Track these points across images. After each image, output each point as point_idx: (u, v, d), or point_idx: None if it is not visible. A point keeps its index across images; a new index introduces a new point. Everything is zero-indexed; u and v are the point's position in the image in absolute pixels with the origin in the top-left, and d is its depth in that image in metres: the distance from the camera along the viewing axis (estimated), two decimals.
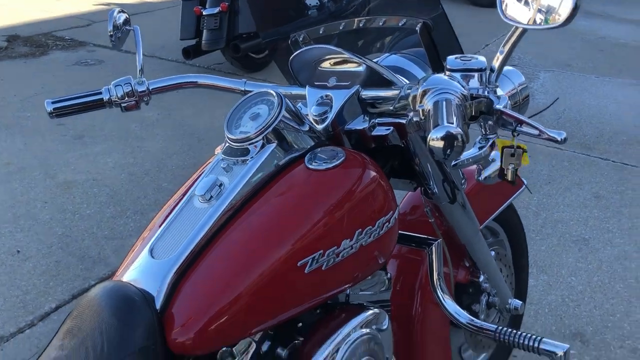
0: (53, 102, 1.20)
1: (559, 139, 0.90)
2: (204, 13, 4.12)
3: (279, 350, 0.98)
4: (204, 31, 4.14)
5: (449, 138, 0.79)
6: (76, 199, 2.73)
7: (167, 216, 0.97)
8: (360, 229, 0.96)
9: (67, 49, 5.13)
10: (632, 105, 3.94)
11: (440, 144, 0.80)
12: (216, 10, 4.07)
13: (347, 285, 1.00)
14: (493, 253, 1.54)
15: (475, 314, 1.49)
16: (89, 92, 1.22)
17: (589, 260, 2.34)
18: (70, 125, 3.42)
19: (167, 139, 3.38)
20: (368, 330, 1.00)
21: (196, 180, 1.00)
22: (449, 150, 0.80)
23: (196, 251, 0.89)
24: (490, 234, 1.67)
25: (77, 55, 4.99)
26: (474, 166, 1.34)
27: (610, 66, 4.79)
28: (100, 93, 1.20)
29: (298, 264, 0.90)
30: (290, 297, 0.92)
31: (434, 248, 1.21)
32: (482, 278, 1.47)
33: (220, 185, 0.94)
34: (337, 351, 0.95)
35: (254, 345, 0.94)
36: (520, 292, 1.77)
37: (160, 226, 0.96)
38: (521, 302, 1.55)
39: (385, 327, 1.06)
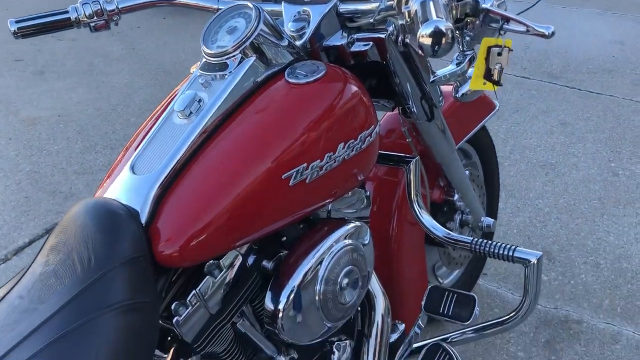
0: (17, 22, 1.15)
1: (547, 32, 0.91)
2: None
3: (264, 263, 1.00)
4: None
5: (438, 33, 0.79)
6: (42, 135, 2.66)
7: (147, 133, 0.96)
8: (343, 143, 0.96)
9: None
10: (597, 35, 3.98)
11: (429, 40, 0.80)
12: None
13: (329, 200, 1.01)
14: (467, 173, 1.58)
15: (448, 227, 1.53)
16: (55, 11, 1.17)
17: (556, 184, 2.41)
18: (29, 61, 3.30)
19: (133, 73, 3.29)
20: (351, 241, 1.02)
21: (174, 97, 0.98)
22: (437, 47, 0.80)
23: (179, 166, 0.89)
24: (463, 156, 1.70)
25: None
26: (450, 87, 1.35)
27: None
28: (67, 12, 1.16)
29: (282, 177, 0.91)
30: (275, 210, 0.93)
31: (411, 165, 1.23)
32: (456, 197, 1.51)
33: (200, 100, 0.93)
34: (321, 262, 0.97)
35: (240, 258, 0.96)
36: (492, 211, 1.83)
37: (140, 143, 0.95)
38: (493, 220, 1.60)
39: (367, 241, 1.09)
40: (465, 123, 1.56)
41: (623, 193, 2.34)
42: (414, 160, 1.23)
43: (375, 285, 1.21)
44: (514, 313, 1.22)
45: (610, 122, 2.87)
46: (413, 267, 1.37)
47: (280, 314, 0.95)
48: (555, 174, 2.48)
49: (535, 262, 1.14)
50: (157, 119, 0.96)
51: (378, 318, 1.19)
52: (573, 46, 3.78)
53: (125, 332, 0.78)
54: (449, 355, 1.20)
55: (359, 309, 1.20)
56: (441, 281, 1.71)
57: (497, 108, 1.67)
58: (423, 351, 1.22)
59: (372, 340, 1.17)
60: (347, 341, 1.15)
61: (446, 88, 1.38)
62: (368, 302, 1.20)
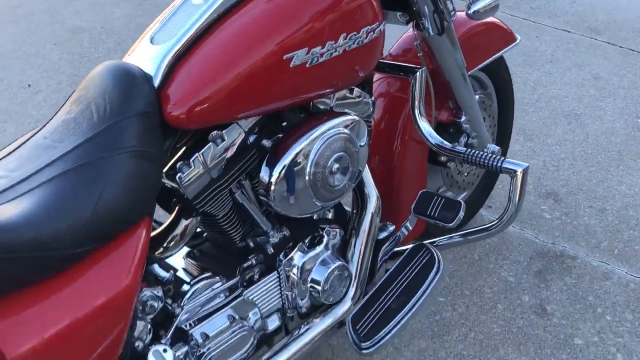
0: None
1: None
2: None
3: (264, 141, 1.09)
4: None
5: None
6: (84, 44, 2.79)
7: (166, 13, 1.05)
8: (345, 33, 1.03)
9: None
10: None
11: None
12: None
13: (328, 90, 1.09)
14: (478, 97, 1.62)
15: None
16: None
17: (576, 133, 2.42)
18: None
19: None
20: (347, 131, 1.10)
21: None
22: None
23: (192, 40, 0.98)
24: (479, 86, 1.74)
25: None
26: (464, 14, 1.39)
27: None
28: None
29: (284, 57, 0.99)
30: (276, 88, 1.01)
31: (418, 75, 1.29)
32: (463, 119, 1.56)
33: None
34: (314, 143, 1.06)
35: (242, 134, 1.05)
36: (503, 146, 1.87)
37: (159, 21, 1.04)
38: (498, 148, 1.64)
39: (363, 141, 1.17)
40: (481, 51, 1.60)
41: None
42: (421, 69, 1.29)
43: (370, 187, 1.29)
44: (497, 221, 1.30)
45: None
46: (413, 176, 1.45)
47: (272, 187, 1.05)
48: (578, 124, 2.48)
49: (520, 173, 1.21)
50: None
51: (368, 216, 1.27)
52: (622, 3, 3.67)
53: (133, 174, 0.88)
54: (431, 254, 1.29)
55: (354, 209, 1.29)
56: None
57: (517, 41, 1.69)
58: (407, 251, 1.32)
59: (360, 234, 1.27)
60: (338, 230, 1.25)
61: (461, 13, 1.43)
62: (362, 200, 1.29)
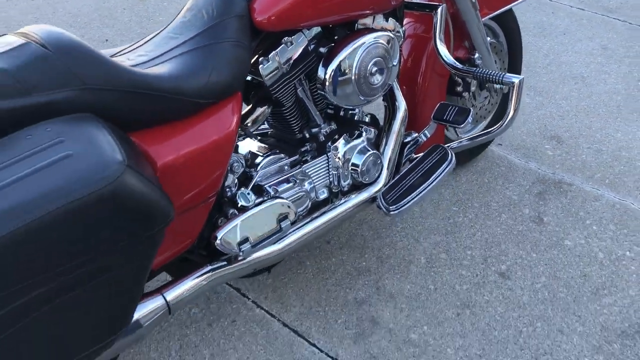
0: None
1: None
2: None
3: (320, 49, 1.45)
4: None
5: None
6: (149, 9, 3.20)
7: None
8: None
9: None
10: None
11: None
12: None
13: (368, 11, 1.44)
14: (490, 42, 1.96)
15: (467, 87, 1.94)
16: None
17: (582, 92, 2.74)
18: None
19: None
20: (384, 43, 1.46)
21: None
22: None
23: None
24: (492, 35, 2.08)
25: None
26: None
27: None
28: None
29: None
30: (331, 5, 1.37)
31: (439, 10, 1.64)
32: (476, 56, 1.90)
33: None
34: (359, 49, 1.42)
35: (305, 41, 1.42)
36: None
37: None
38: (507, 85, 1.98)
39: (395, 61, 1.52)
40: (494, 2, 1.94)
41: None
42: (442, 5, 1.64)
43: (400, 99, 1.65)
44: (498, 124, 1.64)
45: None
46: (433, 95, 1.79)
47: (327, 82, 1.41)
48: (584, 84, 2.80)
49: (517, 83, 1.55)
50: None
51: (398, 120, 1.63)
52: None
53: (232, 57, 1.26)
54: (445, 151, 1.65)
55: (386, 117, 1.65)
56: (461, 136, 2.11)
57: None
58: (427, 150, 1.67)
59: (391, 134, 1.62)
60: (373, 130, 1.61)
61: None
62: (393, 110, 1.65)
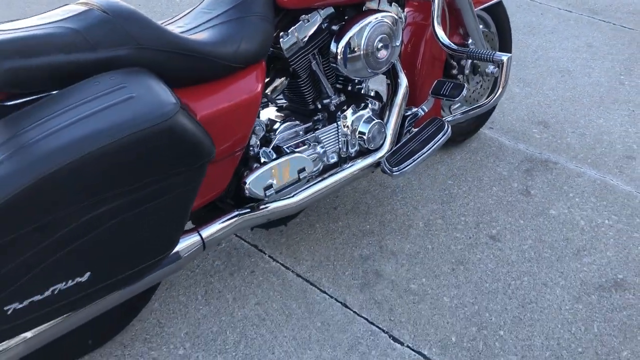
0: None
1: None
2: None
3: (333, 26, 1.65)
4: None
5: None
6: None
7: None
8: None
9: None
10: None
11: None
12: None
13: None
14: (482, 31, 2.16)
15: (462, 69, 2.14)
16: None
17: (567, 83, 2.95)
18: None
19: None
20: (388, 22, 1.65)
21: None
22: None
23: None
24: (484, 24, 2.28)
25: None
26: None
27: None
28: None
29: None
30: None
31: None
32: (470, 42, 2.10)
33: None
34: (366, 26, 1.62)
35: (320, 20, 1.61)
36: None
37: None
38: (497, 68, 2.18)
39: (398, 41, 1.72)
40: None
41: (622, 96, 2.86)
42: None
43: (402, 76, 1.84)
44: (489, 98, 1.84)
45: (632, 49, 3.34)
46: (431, 74, 1.99)
47: (339, 55, 1.60)
48: (570, 77, 3.01)
49: (506, 60, 1.75)
50: None
51: (400, 94, 1.83)
52: None
53: (259, 29, 1.44)
54: (442, 122, 1.84)
55: (389, 92, 1.84)
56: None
57: None
58: (425, 122, 1.87)
59: (394, 107, 1.82)
60: (377, 103, 1.80)
61: None
62: (395, 85, 1.85)
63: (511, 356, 1.58)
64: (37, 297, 1.04)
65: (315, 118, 1.72)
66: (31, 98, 1.13)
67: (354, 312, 1.68)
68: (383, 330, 1.63)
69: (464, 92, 1.81)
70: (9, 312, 1.01)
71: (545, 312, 1.71)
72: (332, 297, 1.72)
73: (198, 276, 1.76)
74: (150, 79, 1.16)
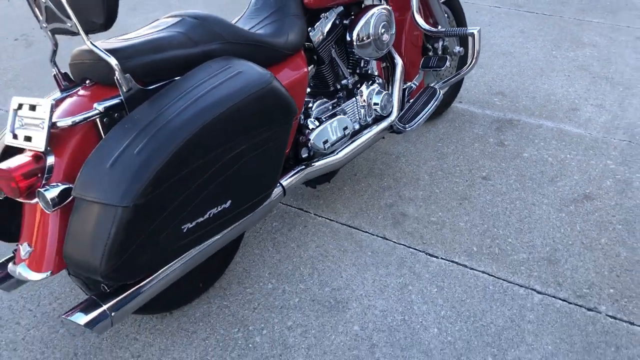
0: None
1: None
2: None
3: (344, 21, 2.10)
4: None
5: None
6: None
7: None
8: None
9: None
10: None
11: None
12: None
13: None
14: (446, 17, 2.67)
15: (436, 51, 2.63)
16: None
17: (512, 62, 3.51)
18: None
19: None
20: (385, 12, 2.12)
21: None
22: None
23: None
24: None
25: None
26: None
27: None
28: None
29: None
30: None
31: None
32: (440, 27, 2.60)
33: None
34: (372, 17, 2.08)
35: (335, 15, 2.06)
36: (463, 58, 2.92)
37: None
38: (462, 48, 2.69)
39: (392, 30, 2.19)
40: None
41: (558, 65, 3.45)
42: None
43: (398, 57, 2.31)
44: (465, 67, 2.33)
45: (557, 31, 3.97)
46: (415, 53, 2.47)
47: (355, 41, 2.06)
48: (512, 56, 3.59)
49: (477, 33, 2.25)
50: None
51: (398, 71, 2.29)
52: None
53: (298, 25, 1.88)
54: (434, 89, 2.32)
55: (386, 70, 2.30)
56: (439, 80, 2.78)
57: None
58: (421, 90, 2.34)
59: (395, 81, 2.28)
60: (382, 80, 2.26)
61: None
62: (393, 65, 2.31)
63: (521, 254, 2.04)
64: (200, 219, 1.40)
65: (338, 96, 2.15)
66: (162, 83, 1.52)
67: (394, 242, 2.10)
68: (419, 251, 2.05)
69: (448, 62, 2.30)
70: (184, 230, 1.38)
71: (538, 222, 2.19)
72: (373, 234, 2.14)
73: (263, 235, 2.14)
74: (244, 60, 1.57)
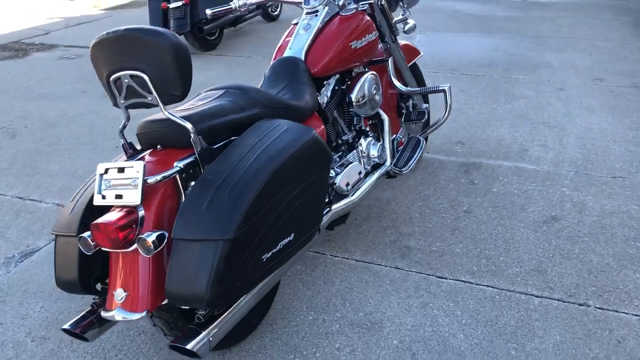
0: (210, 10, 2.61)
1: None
2: (170, 6, 5.45)
3: (342, 87, 2.47)
4: (172, 20, 5.47)
5: None
6: None
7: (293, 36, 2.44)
8: (360, 39, 2.47)
9: (43, 50, 6.19)
10: (478, 46, 5.79)
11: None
12: (180, 3, 5.42)
13: (364, 62, 2.51)
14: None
15: (408, 108, 3.05)
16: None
17: (462, 117, 4.01)
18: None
19: None
20: (375, 77, 2.52)
21: (294, 29, 2.47)
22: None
23: (309, 45, 2.36)
24: None
25: (56, 54, 6.08)
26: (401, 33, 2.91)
27: (462, 27, 6.68)
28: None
29: (350, 45, 2.41)
30: (351, 57, 2.41)
31: (390, 60, 2.75)
32: (409, 87, 3.03)
33: (308, 26, 2.42)
34: (365, 80, 2.46)
35: (335, 81, 2.43)
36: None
37: (288, 42, 2.43)
38: (428, 105, 3.12)
39: (381, 88, 2.59)
40: (408, 57, 3.12)
41: (500, 116, 3.97)
42: (390, 58, 2.76)
43: (384, 114, 2.69)
44: (442, 118, 2.75)
45: (491, 88, 4.56)
46: (394, 111, 2.87)
47: (354, 102, 2.42)
48: (460, 112, 4.09)
49: (447, 88, 2.68)
50: (293, 33, 2.44)
51: (386, 126, 2.67)
52: (463, 54, 5.55)
53: (310, 92, 2.22)
54: (418, 139, 2.70)
55: (377, 128, 2.68)
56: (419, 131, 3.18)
57: (422, 54, 3.25)
58: (407, 140, 2.72)
59: (385, 135, 2.65)
60: (375, 134, 2.63)
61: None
62: (381, 121, 2.69)
63: (514, 268, 2.38)
64: (274, 249, 1.65)
65: (341, 149, 2.49)
66: (223, 143, 1.79)
67: (406, 270, 2.39)
68: (430, 275, 2.36)
69: (427, 116, 2.70)
70: (264, 260, 1.62)
71: (520, 242, 2.55)
72: (386, 266, 2.42)
73: (292, 277, 2.37)
74: (284, 120, 1.88)
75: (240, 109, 1.87)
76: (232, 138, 1.83)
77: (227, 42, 6.25)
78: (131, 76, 1.62)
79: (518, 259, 2.44)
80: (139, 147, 1.78)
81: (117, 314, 1.60)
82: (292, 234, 1.73)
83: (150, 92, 1.62)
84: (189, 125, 1.65)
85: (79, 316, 1.77)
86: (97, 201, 1.61)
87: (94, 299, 1.81)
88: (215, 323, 1.64)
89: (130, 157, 1.80)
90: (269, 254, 1.64)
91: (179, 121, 1.65)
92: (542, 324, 2.07)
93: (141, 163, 1.57)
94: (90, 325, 1.75)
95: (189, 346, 1.55)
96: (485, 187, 3.04)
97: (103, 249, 1.61)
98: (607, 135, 3.64)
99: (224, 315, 1.66)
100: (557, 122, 3.86)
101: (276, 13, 7.19)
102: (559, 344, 1.98)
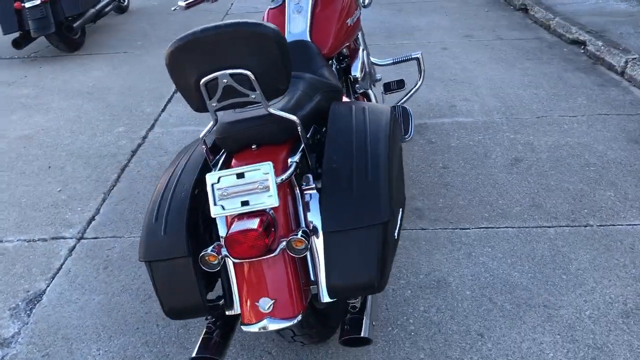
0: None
1: None
2: (26, 6, 4.82)
3: (341, 65, 2.50)
4: (30, 21, 4.85)
5: None
6: None
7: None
8: (351, 16, 2.52)
9: None
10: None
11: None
12: (39, 1, 4.82)
13: (352, 37, 2.55)
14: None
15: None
16: None
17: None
18: None
19: None
20: (368, 52, 2.58)
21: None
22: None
23: (309, 24, 2.34)
24: None
25: None
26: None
27: None
28: None
29: (347, 22, 2.43)
30: (347, 33, 2.43)
31: (359, 35, 2.82)
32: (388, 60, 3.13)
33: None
34: (360, 58, 2.52)
35: (334, 61, 2.45)
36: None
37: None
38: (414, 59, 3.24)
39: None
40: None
41: (411, 79, 4.26)
42: (360, 32, 2.83)
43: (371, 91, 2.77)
44: (418, 83, 2.92)
45: (385, 55, 4.83)
46: None
47: (358, 77, 2.47)
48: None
49: (419, 56, 2.84)
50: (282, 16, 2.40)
51: (373, 100, 2.75)
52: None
53: (332, 70, 2.23)
54: (404, 107, 2.84)
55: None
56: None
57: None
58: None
59: None
60: None
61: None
62: (367, 98, 2.77)
63: (515, 208, 2.65)
64: (398, 225, 1.68)
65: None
66: (311, 131, 1.75)
67: (432, 229, 2.54)
68: (455, 229, 2.53)
69: (407, 85, 2.84)
70: (395, 237, 1.64)
71: (504, 186, 2.84)
72: (414, 229, 2.54)
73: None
74: (357, 101, 1.89)
75: (309, 97, 1.83)
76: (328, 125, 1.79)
77: (90, 40, 5.72)
78: (231, 75, 1.51)
79: (513, 199, 2.72)
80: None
81: (269, 324, 1.52)
82: (401, 209, 1.77)
83: (253, 89, 1.53)
84: (295, 119, 1.60)
85: (199, 341, 1.65)
86: (216, 212, 1.50)
87: (206, 319, 1.69)
88: (368, 306, 1.64)
89: (213, 162, 1.70)
90: (397, 230, 1.68)
91: (285, 115, 1.58)
92: (569, 249, 2.36)
93: (269, 164, 1.49)
94: (217, 346, 1.64)
95: (362, 334, 1.54)
96: (444, 143, 3.29)
97: (235, 260, 1.51)
98: (509, 83, 4.11)
99: (369, 298, 1.67)
100: (463, 78, 4.25)
101: (125, 4, 6.73)
102: (592, 261, 2.29)
